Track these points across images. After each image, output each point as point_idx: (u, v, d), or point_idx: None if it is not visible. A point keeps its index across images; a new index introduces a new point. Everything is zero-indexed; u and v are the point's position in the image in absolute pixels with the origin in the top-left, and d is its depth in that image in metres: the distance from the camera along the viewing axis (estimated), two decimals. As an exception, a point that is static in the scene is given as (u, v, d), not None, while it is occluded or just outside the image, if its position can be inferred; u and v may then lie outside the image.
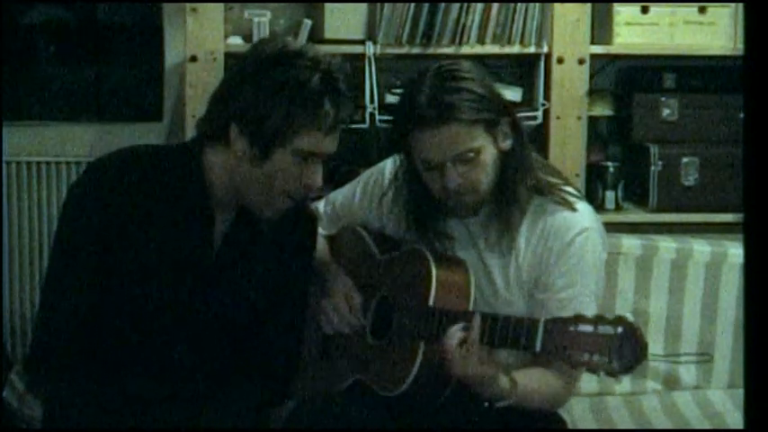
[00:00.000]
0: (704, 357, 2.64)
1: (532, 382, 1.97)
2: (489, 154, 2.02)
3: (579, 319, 1.77)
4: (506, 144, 2.05)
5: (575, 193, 2.14)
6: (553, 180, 2.13)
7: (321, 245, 2.26)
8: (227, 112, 1.84)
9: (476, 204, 2.08)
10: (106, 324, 1.88)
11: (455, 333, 1.88)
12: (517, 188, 2.06)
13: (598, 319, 1.76)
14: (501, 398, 1.91)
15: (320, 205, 2.38)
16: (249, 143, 1.82)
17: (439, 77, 2.00)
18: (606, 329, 1.73)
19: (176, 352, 1.92)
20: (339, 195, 2.36)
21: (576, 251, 2.04)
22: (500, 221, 2.08)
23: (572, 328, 1.77)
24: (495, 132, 2.02)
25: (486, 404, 1.92)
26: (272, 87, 1.80)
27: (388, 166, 2.26)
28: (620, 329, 1.73)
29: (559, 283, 2.04)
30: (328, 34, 2.81)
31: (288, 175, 1.85)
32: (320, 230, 2.30)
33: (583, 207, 2.11)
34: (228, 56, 2.79)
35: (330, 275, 2.20)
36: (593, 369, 1.75)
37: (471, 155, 1.99)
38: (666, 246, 2.76)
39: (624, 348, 1.71)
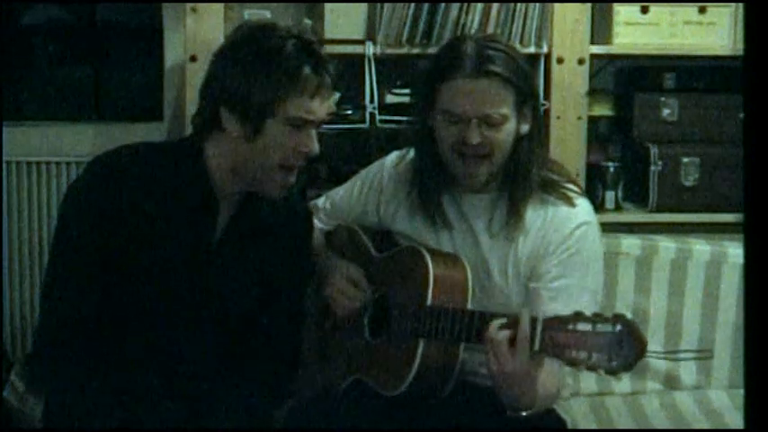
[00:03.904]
0: (704, 354, 2.63)
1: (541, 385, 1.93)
2: (511, 127, 2.05)
3: (578, 317, 1.77)
4: (524, 129, 2.08)
5: (576, 190, 2.15)
6: (557, 177, 2.14)
7: (320, 240, 2.27)
8: (214, 98, 1.87)
9: (485, 176, 2.08)
10: (108, 319, 1.89)
11: (500, 331, 1.84)
12: (526, 177, 2.08)
13: (596, 318, 1.75)
14: (530, 405, 1.87)
15: (320, 201, 2.39)
16: (240, 122, 1.85)
17: (485, 38, 2.09)
18: (605, 328, 1.73)
19: (178, 345, 1.93)
20: (339, 191, 2.38)
21: (574, 243, 2.06)
22: (504, 208, 2.09)
23: (571, 327, 1.77)
24: (521, 109, 2.06)
25: (510, 412, 1.88)
26: (250, 63, 1.84)
27: (389, 159, 2.28)
28: (618, 327, 1.72)
29: (553, 273, 2.04)
30: (328, 34, 2.81)
31: (283, 145, 1.87)
32: (320, 225, 2.31)
33: (583, 203, 2.13)
34: (228, 56, 2.79)
35: (329, 264, 2.21)
36: (592, 368, 1.74)
37: (497, 118, 2.02)
38: (666, 246, 2.76)
39: (623, 346, 1.71)
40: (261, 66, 1.83)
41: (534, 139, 2.10)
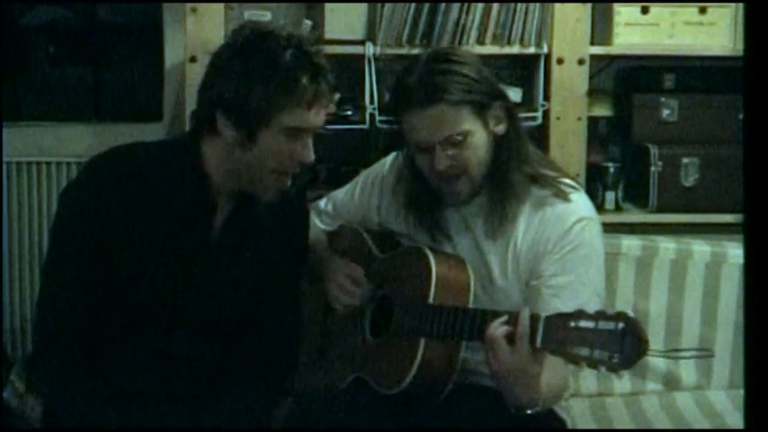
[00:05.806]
0: (705, 353, 2.62)
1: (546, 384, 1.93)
2: (480, 138, 2.03)
3: (580, 314, 1.77)
4: (499, 129, 2.06)
5: (573, 185, 2.14)
6: (551, 173, 2.14)
7: (322, 240, 2.27)
8: (211, 101, 1.87)
9: (468, 190, 2.08)
10: (106, 319, 1.89)
11: (500, 327, 1.84)
12: (512, 175, 2.07)
13: (599, 315, 1.75)
14: (533, 404, 1.87)
15: (321, 203, 2.39)
16: (235, 128, 1.85)
17: (431, 60, 2.04)
18: (607, 325, 1.73)
19: (176, 344, 1.93)
20: (340, 193, 2.38)
21: (573, 239, 2.05)
22: (497, 209, 2.08)
23: (573, 324, 1.76)
24: (485, 116, 2.03)
25: (514, 411, 1.87)
26: (248, 70, 1.83)
27: (389, 161, 2.29)
28: (621, 325, 1.72)
29: (553, 269, 2.04)
30: (328, 34, 2.81)
31: (278, 154, 1.87)
32: (321, 226, 2.31)
33: (581, 198, 2.12)
34: (228, 56, 2.78)
35: (328, 262, 2.21)
36: (593, 364, 1.74)
37: (459, 138, 2.01)
38: (666, 246, 2.76)
39: (625, 343, 1.71)
40: (259, 74, 1.82)
41: (512, 137, 2.08)
